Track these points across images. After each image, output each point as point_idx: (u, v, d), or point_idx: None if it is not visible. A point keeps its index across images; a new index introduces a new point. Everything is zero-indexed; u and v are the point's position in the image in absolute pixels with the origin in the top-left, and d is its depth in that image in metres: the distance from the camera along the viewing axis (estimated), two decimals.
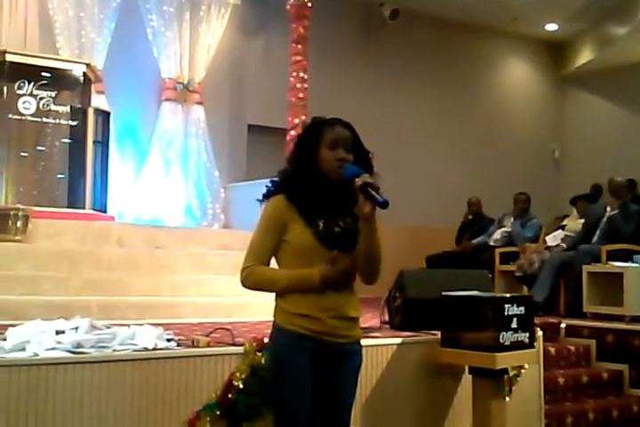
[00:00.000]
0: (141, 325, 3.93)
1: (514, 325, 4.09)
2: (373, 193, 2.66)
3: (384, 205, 2.66)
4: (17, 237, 5.90)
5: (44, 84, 6.97)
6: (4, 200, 6.65)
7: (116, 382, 3.34)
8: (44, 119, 6.98)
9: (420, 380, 4.39)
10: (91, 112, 7.25)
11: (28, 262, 5.66)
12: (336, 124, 2.87)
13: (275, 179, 2.92)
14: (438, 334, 4.38)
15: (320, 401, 2.83)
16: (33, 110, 6.92)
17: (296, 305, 2.79)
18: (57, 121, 7.05)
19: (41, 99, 6.95)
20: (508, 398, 4.52)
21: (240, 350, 3.73)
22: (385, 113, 10.87)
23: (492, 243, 8.83)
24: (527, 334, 4.18)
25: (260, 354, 3.61)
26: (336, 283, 2.77)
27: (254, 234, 2.89)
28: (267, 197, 2.89)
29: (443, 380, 4.47)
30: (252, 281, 2.84)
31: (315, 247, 2.77)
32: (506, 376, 4.39)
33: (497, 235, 8.85)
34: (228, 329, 4.14)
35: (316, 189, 2.80)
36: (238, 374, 3.63)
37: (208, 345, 3.76)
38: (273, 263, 2.91)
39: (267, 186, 2.93)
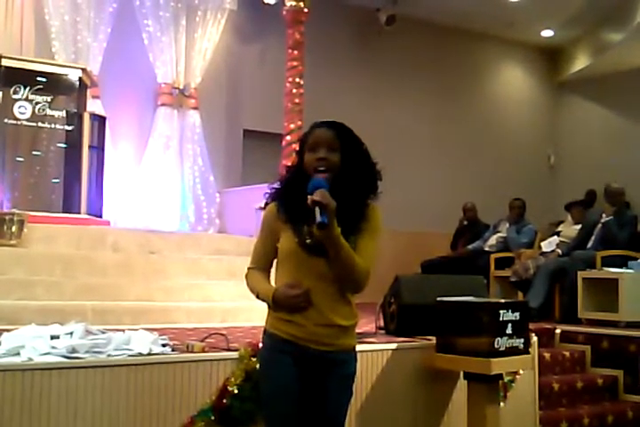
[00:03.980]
0: (136, 330, 3.93)
1: (509, 330, 4.09)
2: (316, 212, 2.60)
3: (319, 226, 2.60)
4: (12, 242, 5.89)
5: (39, 89, 6.97)
6: None
7: (110, 387, 3.34)
8: (40, 124, 6.98)
9: (415, 385, 4.39)
10: (86, 117, 7.25)
11: (23, 267, 5.65)
12: (317, 127, 2.87)
13: (274, 186, 2.95)
14: (433, 339, 4.38)
15: (311, 410, 2.83)
16: (28, 115, 6.92)
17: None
18: (52, 126, 7.05)
19: (36, 103, 6.95)
20: (502, 404, 4.53)
21: (235, 355, 3.73)
22: (381, 118, 10.88)
23: (487, 248, 8.84)
24: (522, 340, 4.18)
25: (254, 359, 3.60)
26: (286, 306, 2.78)
27: (256, 239, 3.01)
28: (266, 204, 2.94)
29: (438, 385, 4.47)
30: (246, 284, 2.94)
31: (298, 254, 2.78)
32: (501, 382, 4.40)
33: (492, 240, 8.87)
34: (222, 334, 4.13)
35: (302, 197, 2.75)
36: (233, 380, 3.63)
37: (203, 350, 3.76)
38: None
39: (266, 193, 2.96)
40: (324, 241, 2.68)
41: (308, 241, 2.77)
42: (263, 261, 2.94)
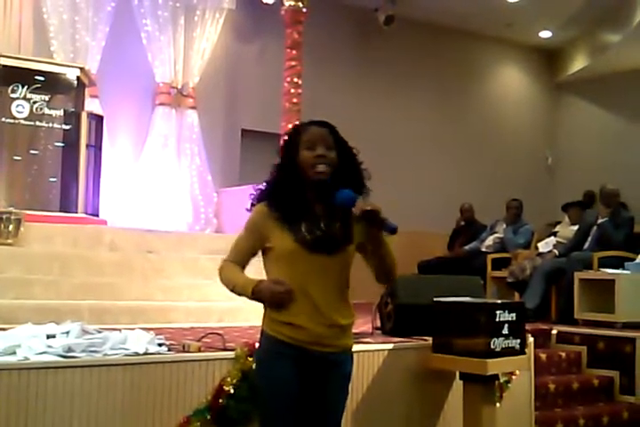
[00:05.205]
0: (133, 329, 3.93)
1: (505, 331, 4.09)
2: (382, 220, 2.69)
3: (393, 231, 2.70)
4: (9, 241, 5.89)
5: (37, 88, 6.96)
6: None
7: (106, 386, 3.34)
8: (38, 123, 6.97)
9: (411, 385, 4.39)
10: (84, 116, 7.23)
11: (20, 266, 5.65)
12: (311, 126, 2.88)
13: (260, 187, 2.93)
14: (430, 339, 4.39)
15: (309, 410, 2.82)
16: (26, 114, 6.91)
17: (283, 313, 2.78)
18: (50, 125, 7.03)
19: (34, 102, 6.94)
20: (498, 404, 4.53)
21: (231, 355, 3.73)
22: (379, 118, 10.90)
23: (484, 249, 8.84)
24: (518, 341, 4.18)
25: (251, 359, 3.60)
26: (268, 300, 2.77)
27: (239, 234, 2.95)
28: (252, 205, 2.92)
29: (434, 385, 4.47)
30: (220, 276, 2.90)
31: (297, 252, 2.76)
32: (497, 382, 4.40)
33: (489, 241, 8.87)
34: (219, 334, 4.13)
35: (297, 194, 2.80)
36: (229, 379, 3.63)
37: (199, 350, 3.76)
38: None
39: (251, 194, 2.94)
40: (375, 244, 2.80)
41: (308, 237, 2.76)
42: (241, 257, 2.89)
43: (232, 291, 2.85)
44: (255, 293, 2.74)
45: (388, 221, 2.69)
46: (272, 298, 2.74)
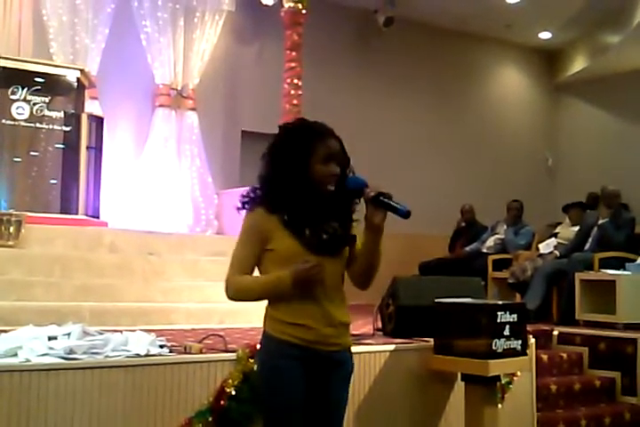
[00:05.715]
0: (134, 331, 3.93)
1: (506, 332, 4.09)
2: (392, 203, 2.70)
3: (407, 215, 2.68)
4: (10, 243, 5.89)
5: (37, 90, 6.97)
6: None
7: (108, 388, 3.33)
8: (38, 125, 6.98)
9: (412, 387, 4.39)
10: (84, 118, 7.24)
11: (21, 268, 5.65)
12: (327, 137, 2.82)
13: (254, 187, 2.88)
14: (431, 341, 4.38)
15: (312, 410, 2.81)
16: (26, 116, 6.91)
17: (289, 314, 2.77)
18: (50, 126, 7.04)
19: (34, 104, 6.94)
20: (500, 406, 4.52)
21: (233, 356, 3.72)
22: (378, 120, 10.89)
23: (485, 250, 8.85)
24: (520, 342, 4.18)
25: (252, 361, 3.60)
26: (307, 284, 2.71)
27: (235, 247, 2.86)
28: (246, 206, 2.88)
29: (435, 387, 4.47)
30: (232, 291, 2.81)
31: (302, 254, 2.74)
32: (498, 383, 4.39)
33: (490, 242, 8.87)
34: (220, 335, 4.13)
35: (306, 201, 2.78)
36: (231, 381, 3.63)
37: (200, 351, 3.76)
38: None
39: (245, 195, 2.89)
40: (376, 234, 2.78)
41: (314, 240, 2.75)
42: (247, 268, 2.82)
43: (258, 297, 2.81)
44: (294, 279, 2.68)
45: (400, 204, 2.70)
46: (309, 276, 2.68)
